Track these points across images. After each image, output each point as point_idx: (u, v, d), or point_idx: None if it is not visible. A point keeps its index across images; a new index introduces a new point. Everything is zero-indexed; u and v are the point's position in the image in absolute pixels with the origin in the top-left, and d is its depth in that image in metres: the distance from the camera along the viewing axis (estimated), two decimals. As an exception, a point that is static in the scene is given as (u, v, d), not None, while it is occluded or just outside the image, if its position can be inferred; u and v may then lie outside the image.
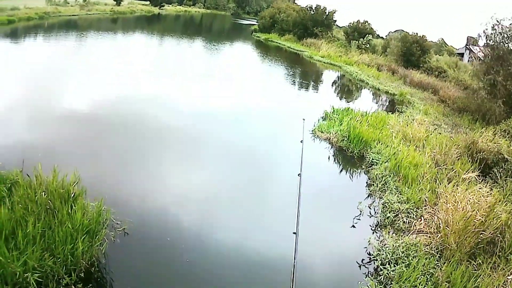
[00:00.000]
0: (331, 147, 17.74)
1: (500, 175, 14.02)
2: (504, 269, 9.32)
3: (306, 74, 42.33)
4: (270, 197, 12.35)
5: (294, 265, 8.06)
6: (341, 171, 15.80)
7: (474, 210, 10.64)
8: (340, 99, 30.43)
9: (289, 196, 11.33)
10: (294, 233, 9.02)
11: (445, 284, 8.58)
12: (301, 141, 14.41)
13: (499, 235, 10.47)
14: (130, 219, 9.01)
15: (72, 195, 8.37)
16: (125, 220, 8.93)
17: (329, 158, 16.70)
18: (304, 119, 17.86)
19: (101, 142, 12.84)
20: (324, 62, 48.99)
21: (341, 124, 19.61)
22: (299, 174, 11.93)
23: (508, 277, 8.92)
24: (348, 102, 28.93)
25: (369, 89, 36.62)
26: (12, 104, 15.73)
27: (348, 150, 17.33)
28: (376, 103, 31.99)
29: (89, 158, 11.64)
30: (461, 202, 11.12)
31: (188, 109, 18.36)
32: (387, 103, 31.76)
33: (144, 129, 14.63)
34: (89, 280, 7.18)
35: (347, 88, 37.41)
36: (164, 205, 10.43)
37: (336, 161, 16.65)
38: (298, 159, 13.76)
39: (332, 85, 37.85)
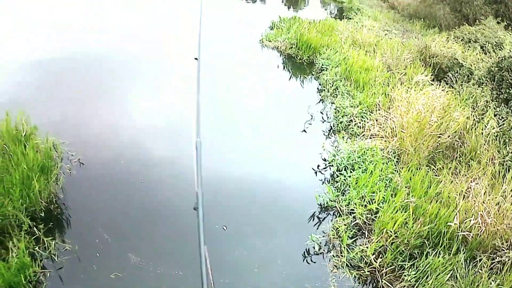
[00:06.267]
0: (280, 55, 16.86)
1: (456, 80, 13.54)
2: (466, 175, 8.89)
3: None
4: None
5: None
6: (290, 77, 14.99)
7: (427, 111, 10.28)
8: (288, 9, 29.32)
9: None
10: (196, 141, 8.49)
11: (405, 190, 8.03)
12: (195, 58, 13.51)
13: (458, 139, 10.10)
14: (84, 149, 8.58)
15: (23, 134, 7.81)
16: (79, 151, 8.48)
17: (278, 66, 15.83)
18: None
19: (46, 80, 11.83)
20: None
21: (289, 32, 18.64)
22: (196, 58, 11.19)
23: (471, 184, 8.45)
24: (295, 12, 27.85)
25: (316, -2, 35.52)
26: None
27: (297, 57, 16.50)
28: (324, 11, 31.02)
29: (37, 97, 10.74)
30: (414, 104, 10.65)
31: (133, 41, 16.85)
32: (336, 11, 30.78)
33: (87, 64, 13.51)
34: (49, 219, 6.79)
35: (293, -2, 36.20)
36: (114, 131, 9.82)
37: (286, 68, 15.80)
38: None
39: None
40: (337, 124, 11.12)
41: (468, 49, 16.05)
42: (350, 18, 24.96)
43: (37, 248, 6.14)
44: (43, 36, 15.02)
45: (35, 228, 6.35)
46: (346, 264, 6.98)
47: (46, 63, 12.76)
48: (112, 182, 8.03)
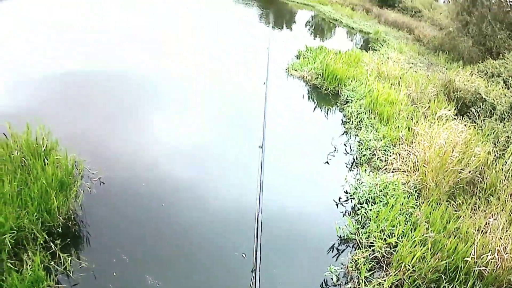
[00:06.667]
0: (305, 85, 17.23)
1: (478, 115, 13.74)
2: (485, 210, 9.07)
3: (279, 15, 41.35)
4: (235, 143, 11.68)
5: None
6: (315, 108, 15.30)
7: (449, 146, 10.45)
8: (314, 38, 29.74)
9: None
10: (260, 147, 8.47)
11: (424, 225, 8.24)
12: (264, 83, 13.62)
13: (478, 175, 10.23)
14: (105, 168, 8.75)
15: (44, 149, 8.01)
16: (100, 170, 8.66)
17: (303, 96, 16.17)
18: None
19: (72, 96, 12.21)
20: (298, 2, 47.78)
21: (315, 62, 19.02)
22: (260, 146, 11.24)
23: (490, 219, 8.63)
24: (322, 41, 28.26)
25: (343, 28, 35.95)
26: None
27: (322, 88, 16.89)
28: (351, 41, 31.43)
29: (61, 112, 11.08)
30: (436, 139, 10.86)
31: (160, 61, 17.34)
32: (362, 42, 31.13)
33: (113, 82, 13.93)
34: (66, 235, 6.88)
35: (320, 28, 36.63)
36: (137, 152, 10.00)
37: (311, 98, 16.13)
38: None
39: (305, 25, 36.95)
40: (360, 157, 11.32)
41: (492, 83, 16.23)
42: (376, 50, 25.27)
43: (52, 263, 6.26)
44: (65, 47, 15.54)
45: (51, 243, 6.48)
46: (363, 296, 7.09)
47: (69, 74, 13.36)
48: (132, 204, 8.17)
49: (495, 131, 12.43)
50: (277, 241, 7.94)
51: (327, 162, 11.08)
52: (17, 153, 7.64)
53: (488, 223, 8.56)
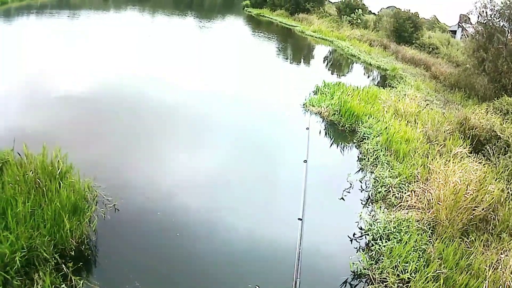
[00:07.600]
0: (322, 121, 17.50)
1: (493, 152, 13.89)
2: (496, 247, 9.20)
3: (298, 49, 41.95)
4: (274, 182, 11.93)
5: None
6: (331, 145, 15.57)
7: (464, 183, 10.56)
8: (332, 74, 30.14)
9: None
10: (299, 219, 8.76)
11: (437, 261, 8.41)
12: (307, 128, 13.95)
13: (491, 212, 10.34)
14: (120, 195, 8.98)
15: (58, 172, 8.26)
16: (115, 196, 8.89)
17: (320, 132, 16.43)
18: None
19: (92, 120, 12.74)
20: (316, 37, 48.47)
21: (333, 98, 19.34)
22: (305, 161, 11.55)
23: (501, 256, 8.79)
24: (339, 77, 28.63)
25: (360, 64, 36.30)
26: (2, 84, 15.48)
27: (339, 124, 17.13)
28: (368, 78, 31.81)
29: (80, 136, 11.58)
30: (451, 177, 11.00)
31: (180, 91, 18.07)
32: (379, 78, 31.50)
33: (134, 109, 14.47)
34: (79, 258, 7.06)
35: (338, 63, 37.05)
36: (154, 181, 10.32)
37: (327, 135, 16.40)
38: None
39: (323, 60, 37.44)
40: (375, 194, 11.47)
41: (507, 121, 16.37)
42: (393, 87, 25.49)
43: (63, 285, 6.37)
44: (86, 73, 16.04)
45: (63, 265, 6.63)
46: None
47: (89, 100, 14.14)
48: (147, 232, 8.39)
49: (509, 168, 12.58)
50: (291, 276, 8.00)
51: (342, 199, 11.28)
52: (31, 173, 7.88)
53: (500, 259, 8.71)
